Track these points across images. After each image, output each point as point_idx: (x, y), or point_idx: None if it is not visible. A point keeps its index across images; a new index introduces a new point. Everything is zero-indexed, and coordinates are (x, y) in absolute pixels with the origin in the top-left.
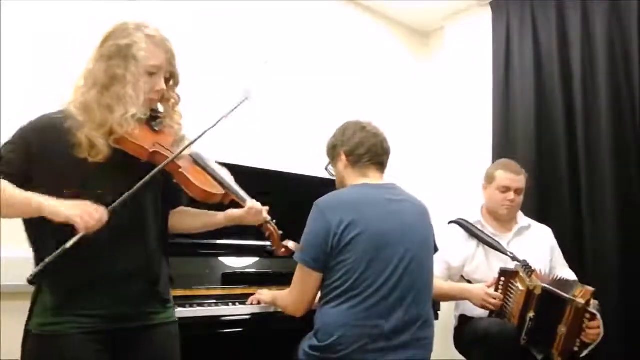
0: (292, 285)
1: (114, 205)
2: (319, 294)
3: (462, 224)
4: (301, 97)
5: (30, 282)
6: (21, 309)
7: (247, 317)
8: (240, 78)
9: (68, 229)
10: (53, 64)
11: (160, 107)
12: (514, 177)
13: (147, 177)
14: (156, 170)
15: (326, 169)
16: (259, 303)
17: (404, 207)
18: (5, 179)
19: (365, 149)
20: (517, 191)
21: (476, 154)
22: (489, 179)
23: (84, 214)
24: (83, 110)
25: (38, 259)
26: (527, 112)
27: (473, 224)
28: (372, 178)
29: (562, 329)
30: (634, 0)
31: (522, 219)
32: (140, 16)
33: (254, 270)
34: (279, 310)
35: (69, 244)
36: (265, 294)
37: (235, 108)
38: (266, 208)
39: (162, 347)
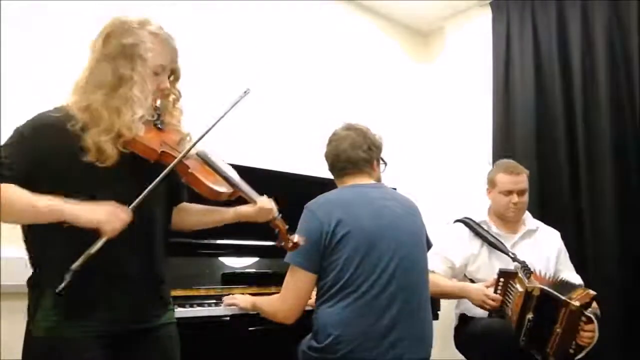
0: (284, 290)
1: (133, 204)
2: (314, 296)
3: (467, 222)
4: (300, 96)
5: (59, 294)
6: (21, 309)
7: (247, 317)
8: (237, 76)
9: (81, 231)
10: (50, 62)
11: (158, 102)
12: (514, 178)
13: (162, 175)
14: (169, 167)
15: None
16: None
17: (393, 205)
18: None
19: (342, 162)
20: (519, 193)
21: (476, 154)
22: (491, 183)
23: (110, 216)
24: (87, 113)
25: (41, 260)
26: (527, 112)
27: (478, 223)
28: (359, 179)
29: (557, 330)
30: (633, 0)
31: (530, 222)
32: (138, 12)
33: (253, 270)
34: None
35: (93, 250)
36: (241, 299)
37: (237, 102)
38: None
39: (165, 348)
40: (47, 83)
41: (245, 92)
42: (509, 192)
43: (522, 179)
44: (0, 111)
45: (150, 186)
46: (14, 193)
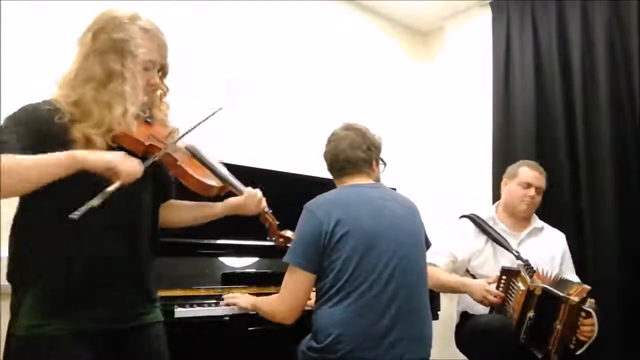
0: (282, 290)
1: (146, 162)
2: (314, 297)
3: (473, 218)
4: (300, 96)
5: (73, 219)
6: None
7: (247, 317)
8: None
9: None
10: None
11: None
12: (537, 175)
13: (152, 158)
14: (159, 153)
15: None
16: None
17: (393, 205)
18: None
19: (341, 162)
20: (537, 190)
21: (476, 154)
22: (512, 175)
23: (125, 159)
24: (76, 106)
25: (30, 255)
26: (527, 112)
27: (485, 220)
28: (358, 179)
29: (557, 326)
30: (633, 0)
31: (537, 221)
32: (137, 10)
33: (253, 270)
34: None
35: (110, 189)
36: (242, 299)
37: (210, 116)
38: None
39: (153, 347)
40: (46, 82)
41: (219, 108)
42: (528, 185)
43: (543, 177)
44: (0, 110)
45: (149, 161)
46: (17, 157)
